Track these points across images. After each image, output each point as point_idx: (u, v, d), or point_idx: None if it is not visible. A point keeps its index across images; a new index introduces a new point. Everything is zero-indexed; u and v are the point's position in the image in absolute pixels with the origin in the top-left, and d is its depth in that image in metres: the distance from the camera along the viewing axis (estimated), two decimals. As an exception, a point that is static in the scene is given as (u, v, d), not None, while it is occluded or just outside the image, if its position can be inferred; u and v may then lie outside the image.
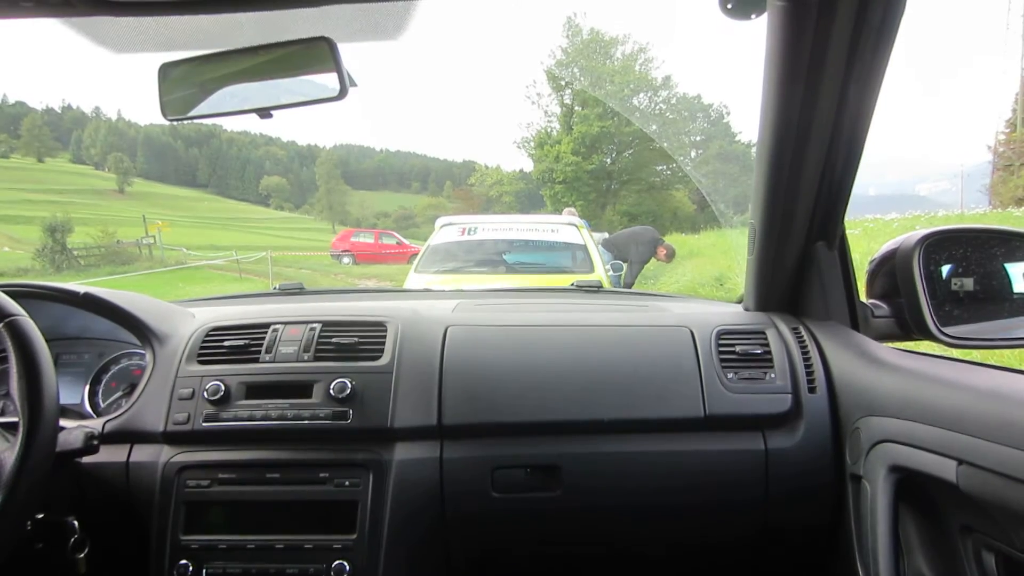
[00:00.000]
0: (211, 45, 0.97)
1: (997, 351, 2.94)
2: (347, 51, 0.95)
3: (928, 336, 1.03)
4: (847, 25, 0.88)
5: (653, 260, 6.77)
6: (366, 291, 1.94)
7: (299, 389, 1.10)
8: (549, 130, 31.46)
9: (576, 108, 30.58)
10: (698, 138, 33.40)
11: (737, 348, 1.17)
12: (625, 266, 6.58)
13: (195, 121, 1.09)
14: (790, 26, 0.90)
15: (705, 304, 1.59)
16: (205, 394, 1.09)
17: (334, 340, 1.16)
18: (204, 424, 1.08)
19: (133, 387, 1.20)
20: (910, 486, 0.90)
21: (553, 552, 1.19)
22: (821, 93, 0.96)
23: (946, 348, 1.06)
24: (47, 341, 0.91)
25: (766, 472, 1.09)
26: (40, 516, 1.02)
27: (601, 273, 4.53)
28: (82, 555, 1.06)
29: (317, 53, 0.95)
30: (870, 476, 0.95)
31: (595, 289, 1.73)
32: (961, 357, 0.98)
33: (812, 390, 1.11)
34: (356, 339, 1.16)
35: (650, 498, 1.11)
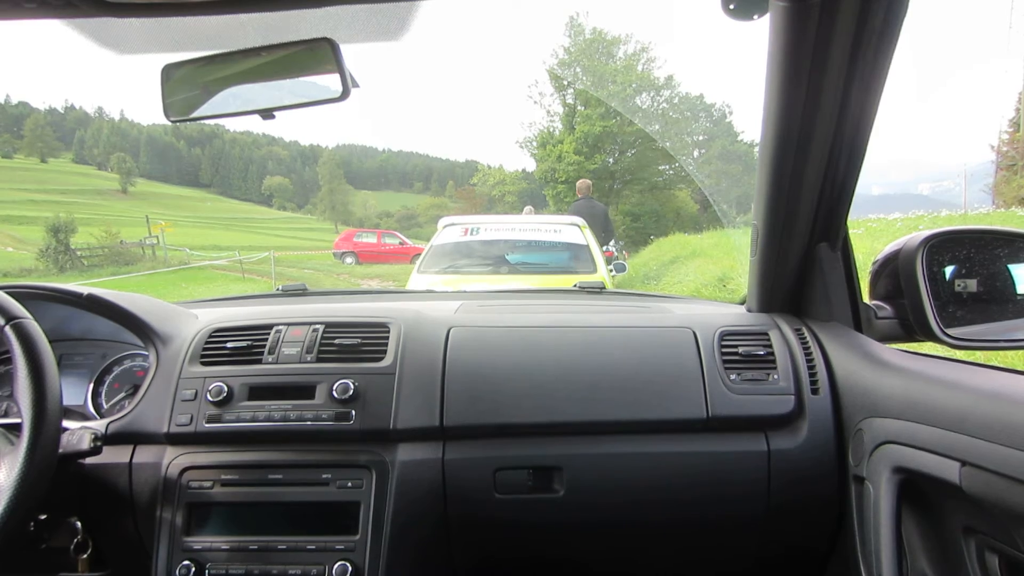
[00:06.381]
0: (214, 46, 0.97)
1: (1000, 352, 2.94)
2: (349, 52, 0.95)
3: (931, 337, 1.03)
4: (849, 26, 0.88)
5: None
6: (369, 292, 1.94)
7: (302, 390, 1.10)
8: (551, 130, 31.32)
9: (578, 108, 30.47)
10: (700, 138, 33.41)
11: (740, 349, 1.17)
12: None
13: (198, 122, 1.09)
14: (792, 27, 0.90)
15: (708, 305, 1.58)
16: (208, 395, 1.09)
17: (337, 341, 1.16)
18: (207, 425, 1.09)
19: (136, 388, 1.20)
20: (913, 487, 0.90)
21: (555, 554, 1.19)
22: (823, 94, 0.96)
23: (949, 349, 1.05)
24: (50, 342, 0.91)
25: (769, 473, 1.09)
26: (43, 517, 1.03)
27: (604, 274, 4.52)
28: (84, 556, 1.06)
29: (319, 54, 0.95)
30: (873, 478, 0.94)
31: (598, 290, 1.73)
32: (964, 358, 0.98)
33: (815, 391, 1.11)
34: (359, 340, 1.16)
35: (652, 499, 1.11)
